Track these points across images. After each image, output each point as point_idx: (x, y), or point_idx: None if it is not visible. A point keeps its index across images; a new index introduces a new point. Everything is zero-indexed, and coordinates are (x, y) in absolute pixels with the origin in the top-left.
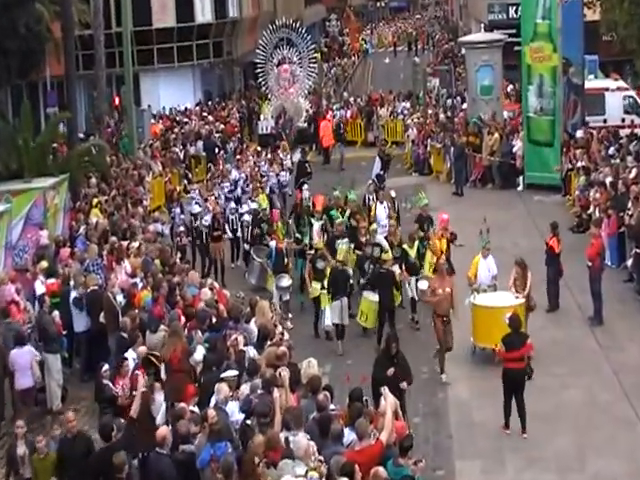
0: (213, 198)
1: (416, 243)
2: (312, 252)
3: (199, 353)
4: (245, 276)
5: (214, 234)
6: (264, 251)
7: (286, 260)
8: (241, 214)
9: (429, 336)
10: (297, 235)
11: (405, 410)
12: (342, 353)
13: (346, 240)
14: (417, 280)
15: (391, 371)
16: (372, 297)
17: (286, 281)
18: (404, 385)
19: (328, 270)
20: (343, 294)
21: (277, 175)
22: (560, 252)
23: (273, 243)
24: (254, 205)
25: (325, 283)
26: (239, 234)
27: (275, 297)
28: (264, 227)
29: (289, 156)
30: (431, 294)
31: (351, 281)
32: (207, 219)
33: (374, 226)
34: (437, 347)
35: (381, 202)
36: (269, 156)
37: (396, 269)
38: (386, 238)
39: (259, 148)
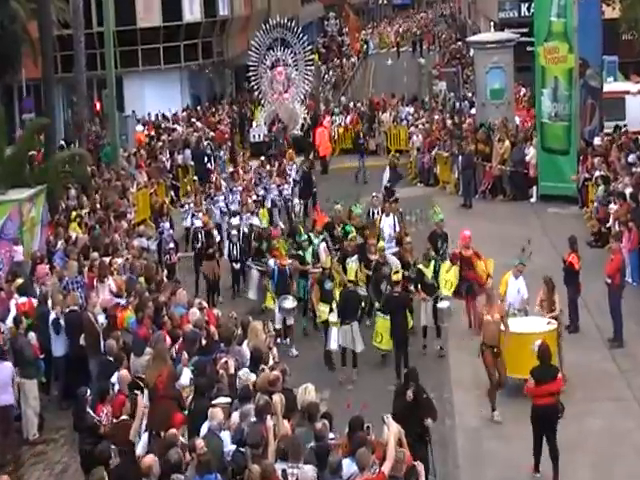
0: (202, 213)
1: (432, 262)
2: (316, 271)
3: (185, 377)
4: (241, 293)
5: (208, 252)
6: (263, 266)
7: (289, 280)
8: (232, 227)
9: (437, 363)
10: (299, 253)
11: (431, 450)
12: (349, 382)
13: (355, 258)
14: (435, 302)
15: (410, 395)
16: (387, 316)
17: (290, 302)
18: (429, 422)
19: (337, 291)
20: (354, 318)
21: (279, 187)
22: (579, 269)
23: (272, 261)
24: (255, 221)
25: (334, 305)
26: (225, 251)
27: (277, 321)
28: (264, 245)
29: (295, 166)
30: (480, 322)
31: (363, 304)
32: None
33: (382, 243)
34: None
35: (387, 215)
36: (268, 167)
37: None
38: (394, 254)
39: (262, 158)
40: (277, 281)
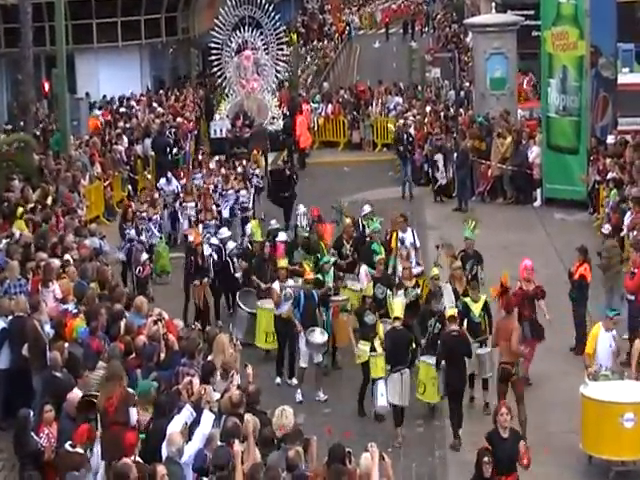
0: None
1: (483, 296)
2: (340, 299)
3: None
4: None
5: (198, 274)
6: (252, 296)
7: (317, 308)
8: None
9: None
10: (318, 276)
11: None
12: (400, 444)
13: (402, 292)
14: (480, 346)
15: None
16: (430, 359)
17: (319, 336)
18: None
19: (380, 327)
20: (405, 364)
21: (237, 192)
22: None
23: (291, 282)
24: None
25: (376, 343)
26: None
27: (303, 359)
28: (254, 264)
29: (257, 170)
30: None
31: (414, 345)
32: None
33: (436, 270)
34: None
35: (404, 231)
36: (223, 170)
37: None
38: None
39: (219, 157)
40: (303, 309)
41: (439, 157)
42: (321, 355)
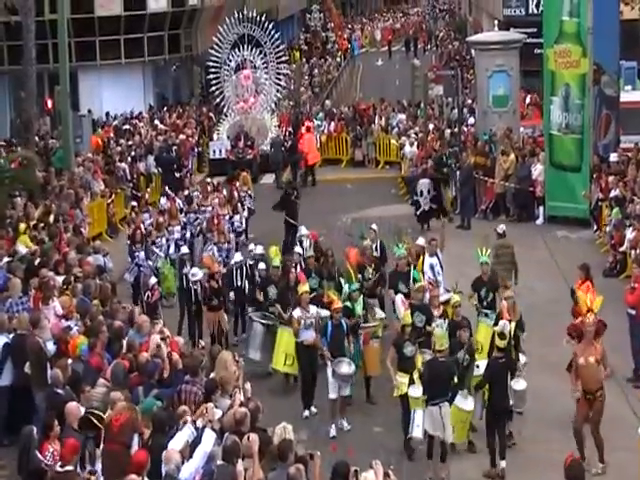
0: (209, 251)
1: (512, 324)
2: (370, 325)
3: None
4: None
5: (211, 301)
6: (268, 318)
7: (346, 339)
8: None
9: None
10: (347, 304)
11: None
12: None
13: (441, 322)
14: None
15: None
16: (463, 404)
17: (347, 367)
18: None
19: (419, 358)
20: (444, 397)
21: (231, 218)
22: None
23: (313, 310)
24: (259, 249)
25: (415, 375)
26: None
27: (332, 390)
28: (270, 291)
29: (250, 192)
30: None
31: (456, 379)
32: (196, 274)
33: (457, 297)
34: None
35: (431, 255)
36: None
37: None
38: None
39: (213, 180)
40: (331, 339)
41: (424, 182)
42: (349, 388)
